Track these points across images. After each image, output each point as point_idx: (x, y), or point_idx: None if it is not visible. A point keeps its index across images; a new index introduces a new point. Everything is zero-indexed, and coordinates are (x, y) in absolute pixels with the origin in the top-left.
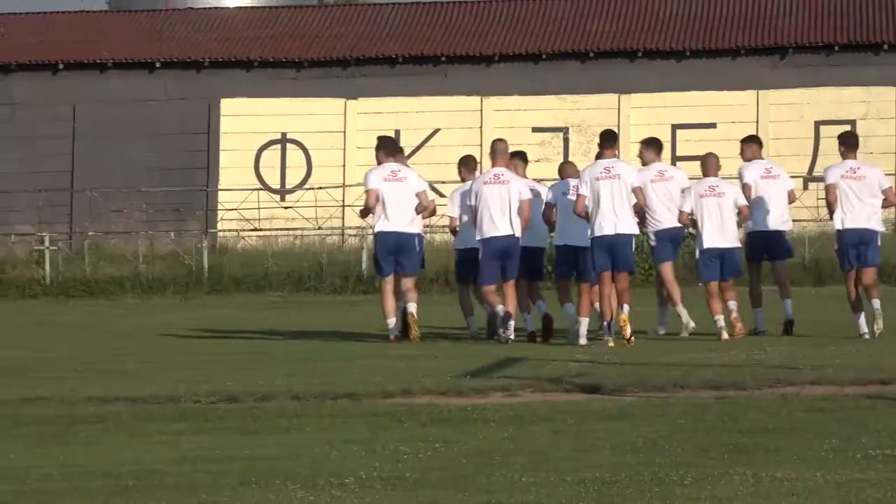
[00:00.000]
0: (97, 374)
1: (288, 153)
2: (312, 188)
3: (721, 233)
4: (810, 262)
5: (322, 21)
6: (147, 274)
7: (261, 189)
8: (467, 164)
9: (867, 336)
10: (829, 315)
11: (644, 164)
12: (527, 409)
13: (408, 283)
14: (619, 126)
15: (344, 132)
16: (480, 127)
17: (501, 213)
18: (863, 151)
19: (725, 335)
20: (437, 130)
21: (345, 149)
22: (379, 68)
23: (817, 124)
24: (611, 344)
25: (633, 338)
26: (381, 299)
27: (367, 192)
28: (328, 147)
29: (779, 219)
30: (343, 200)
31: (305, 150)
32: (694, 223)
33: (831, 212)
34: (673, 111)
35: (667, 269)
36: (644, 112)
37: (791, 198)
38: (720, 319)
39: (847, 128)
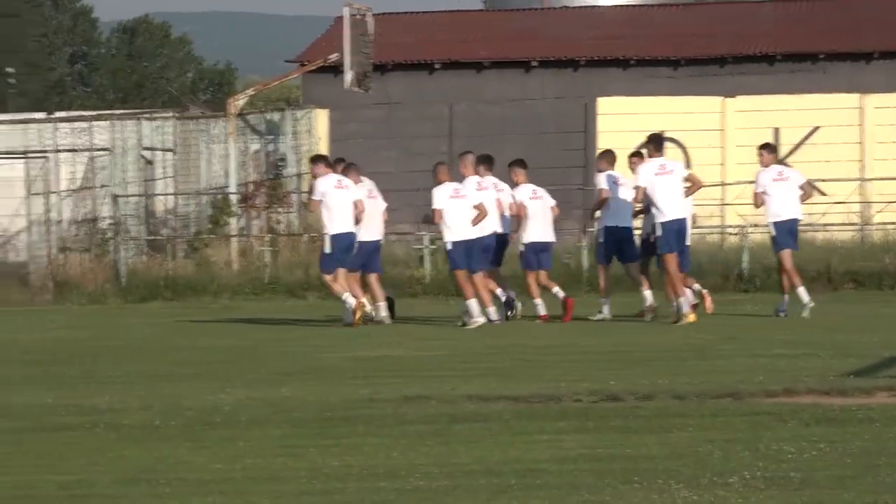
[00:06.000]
0: (476, 373)
1: (666, 151)
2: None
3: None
4: None
5: (698, 19)
6: None
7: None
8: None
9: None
10: None
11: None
12: None
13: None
14: None
15: (722, 130)
16: (860, 125)
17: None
18: None
19: None
20: (816, 128)
21: (723, 147)
22: (756, 66)
23: None
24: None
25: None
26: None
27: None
28: (706, 145)
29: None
30: (722, 199)
31: (684, 149)
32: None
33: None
34: None
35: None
36: None
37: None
38: None
39: None
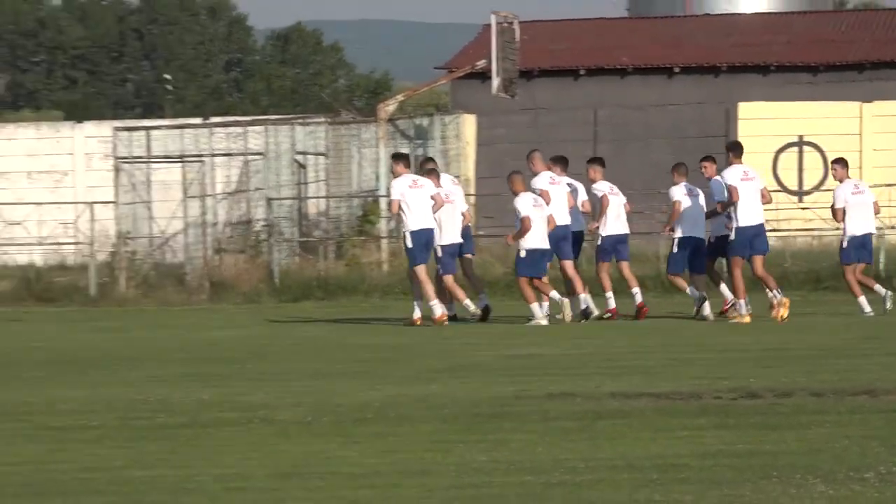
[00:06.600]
0: (620, 370)
1: (805, 155)
2: (830, 190)
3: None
4: None
5: (838, 26)
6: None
7: (779, 191)
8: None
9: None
10: None
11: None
12: None
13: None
14: None
15: (860, 135)
16: None
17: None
18: None
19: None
20: None
21: (861, 151)
22: (894, 72)
23: None
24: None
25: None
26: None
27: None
28: (844, 149)
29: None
30: None
31: (822, 153)
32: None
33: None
34: None
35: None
36: None
37: (876, 209)
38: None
39: None
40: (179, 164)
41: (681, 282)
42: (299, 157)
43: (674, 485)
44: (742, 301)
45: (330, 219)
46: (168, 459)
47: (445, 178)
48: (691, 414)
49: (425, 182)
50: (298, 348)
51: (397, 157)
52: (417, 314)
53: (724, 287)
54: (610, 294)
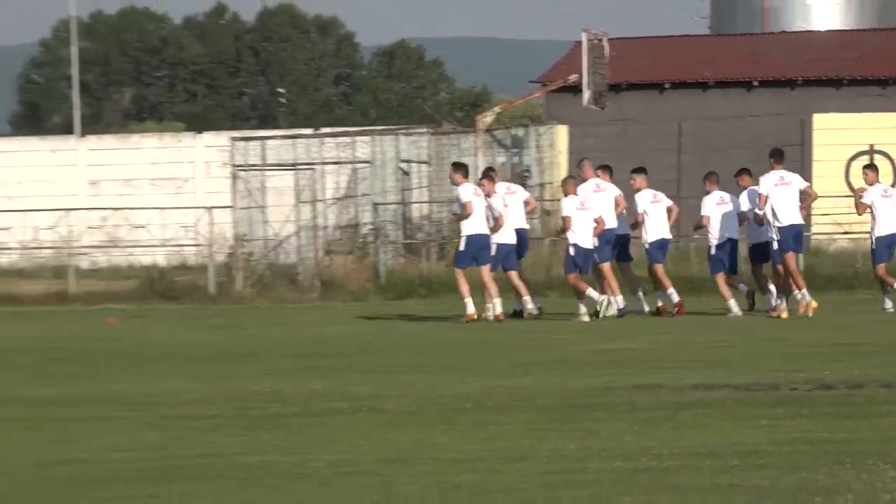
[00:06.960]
0: (702, 364)
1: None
2: None
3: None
4: None
5: None
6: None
7: (850, 196)
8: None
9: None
10: None
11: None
12: None
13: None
14: None
15: None
16: None
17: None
18: None
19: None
20: None
21: None
22: None
23: None
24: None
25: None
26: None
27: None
28: None
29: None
30: None
31: (892, 161)
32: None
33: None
34: None
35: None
36: None
37: None
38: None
39: None
40: (292, 172)
41: (722, 285)
42: (403, 165)
43: (753, 470)
44: (804, 290)
45: (432, 222)
46: (281, 446)
47: (501, 185)
48: (769, 404)
49: (481, 192)
50: (402, 343)
51: (457, 167)
52: (471, 309)
53: (771, 288)
54: (671, 290)
